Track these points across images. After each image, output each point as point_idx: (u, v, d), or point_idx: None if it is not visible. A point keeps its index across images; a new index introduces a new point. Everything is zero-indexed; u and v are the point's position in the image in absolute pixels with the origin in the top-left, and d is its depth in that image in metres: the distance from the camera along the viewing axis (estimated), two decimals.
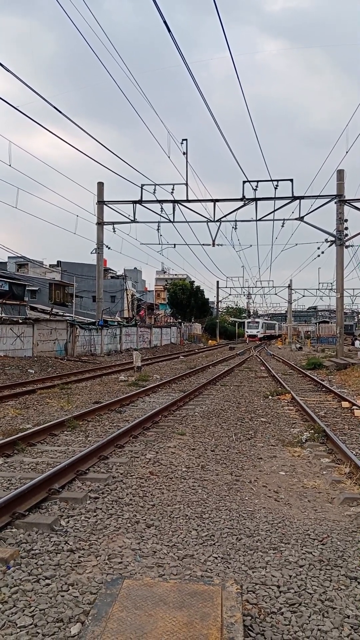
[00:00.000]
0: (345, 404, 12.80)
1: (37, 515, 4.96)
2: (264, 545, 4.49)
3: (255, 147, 71.56)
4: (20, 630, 3.13)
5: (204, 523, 4.96)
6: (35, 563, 3.99)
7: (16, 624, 3.19)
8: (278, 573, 3.95)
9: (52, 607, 3.37)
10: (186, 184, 28.09)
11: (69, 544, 4.37)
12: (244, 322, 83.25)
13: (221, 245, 34.65)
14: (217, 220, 29.87)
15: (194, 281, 75.77)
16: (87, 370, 21.97)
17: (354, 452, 7.53)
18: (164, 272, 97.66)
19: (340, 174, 28.23)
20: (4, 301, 34.47)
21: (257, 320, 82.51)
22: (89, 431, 9.25)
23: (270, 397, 14.39)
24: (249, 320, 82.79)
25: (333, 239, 28.66)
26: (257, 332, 75.90)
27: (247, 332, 78.12)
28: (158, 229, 31.12)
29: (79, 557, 4.14)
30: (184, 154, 27.00)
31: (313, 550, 4.39)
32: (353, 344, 50.93)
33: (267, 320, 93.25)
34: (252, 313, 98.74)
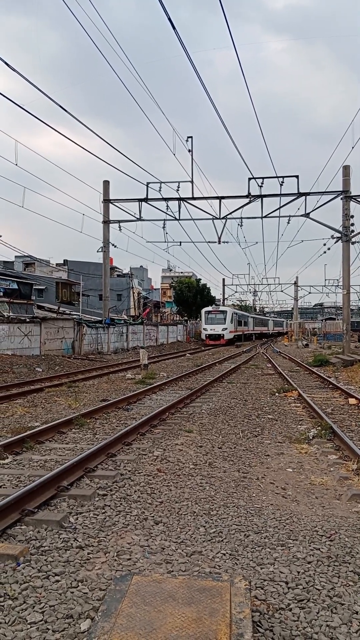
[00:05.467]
0: (352, 401, 12.76)
1: (46, 513, 4.99)
2: (272, 541, 4.50)
3: (260, 144, 71.56)
4: (31, 627, 3.16)
5: (211, 520, 4.97)
6: (45, 560, 4.02)
7: (26, 620, 3.22)
8: (286, 569, 3.96)
9: (62, 604, 3.40)
10: (192, 182, 28.03)
11: (78, 540, 4.39)
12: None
13: (227, 242, 34.57)
14: (223, 218, 29.81)
15: (200, 279, 75.56)
16: (94, 368, 22.04)
17: None
18: (170, 270, 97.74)
19: (346, 169, 28.08)
20: (12, 300, 34.65)
21: (222, 309, 50.13)
22: (97, 429, 9.29)
23: (277, 394, 14.37)
24: (209, 308, 50.33)
25: (339, 235, 28.54)
26: (223, 329, 46.92)
27: (204, 329, 48.88)
28: (164, 227, 30.97)
29: (88, 553, 4.17)
30: (189, 151, 26.96)
31: (321, 546, 4.39)
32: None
33: (238, 310, 60.20)
34: (257, 310, 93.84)
